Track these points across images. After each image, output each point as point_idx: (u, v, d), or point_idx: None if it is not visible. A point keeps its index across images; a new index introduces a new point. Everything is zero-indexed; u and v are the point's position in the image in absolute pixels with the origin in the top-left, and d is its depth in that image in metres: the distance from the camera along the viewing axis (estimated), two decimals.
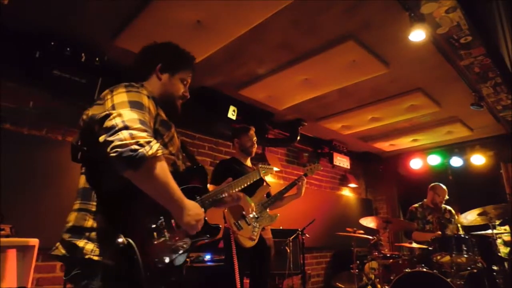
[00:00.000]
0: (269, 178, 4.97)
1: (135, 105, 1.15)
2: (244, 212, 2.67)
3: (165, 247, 1.21)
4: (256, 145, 3.00)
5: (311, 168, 3.21)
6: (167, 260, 1.20)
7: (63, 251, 1.14)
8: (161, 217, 1.21)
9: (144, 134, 1.06)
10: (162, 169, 1.10)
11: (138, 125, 1.07)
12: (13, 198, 2.62)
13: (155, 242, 1.17)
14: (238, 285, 2.44)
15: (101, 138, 1.06)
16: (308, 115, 4.74)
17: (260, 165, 2.44)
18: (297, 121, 4.86)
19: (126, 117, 1.08)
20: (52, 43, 2.86)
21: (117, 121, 1.06)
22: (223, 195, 1.59)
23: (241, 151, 2.98)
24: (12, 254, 2.15)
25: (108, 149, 1.02)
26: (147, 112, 1.19)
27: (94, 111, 1.20)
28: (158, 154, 1.07)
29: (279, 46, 3.13)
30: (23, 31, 2.80)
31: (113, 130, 1.04)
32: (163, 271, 1.19)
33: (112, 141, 1.02)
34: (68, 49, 2.93)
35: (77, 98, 2.99)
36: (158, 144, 1.08)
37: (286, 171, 5.38)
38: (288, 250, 3.87)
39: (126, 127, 1.05)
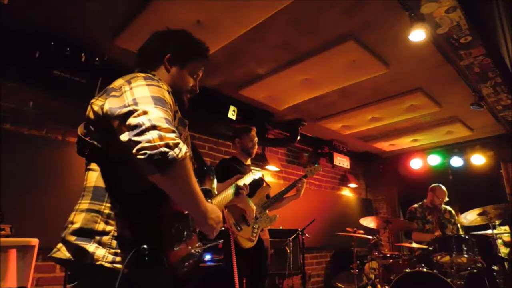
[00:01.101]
0: (269, 178, 4.97)
1: (159, 102, 1.06)
2: (245, 215, 2.68)
3: (184, 252, 1.17)
4: (256, 146, 3.00)
5: (312, 169, 3.22)
6: (185, 266, 1.17)
7: (68, 255, 1.04)
8: (179, 221, 1.17)
9: (172, 135, 0.99)
10: (189, 172, 1.04)
11: (166, 125, 0.99)
12: (13, 198, 2.62)
13: (175, 248, 1.12)
14: (237, 285, 2.44)
15: (124, 137, 0.98)
16: (308, 115, 4.74)
17: (251, 168, 2.51)
18: (297, 121, 4.86)
19: (153, 115, 0.99)
20: (52, 43, 2.86)
21: (143, 120, 0.98)
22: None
23: (242, 151, 2.98)
24: (12, 254, 2.15)
25: (134, 150, 0.95)
26: (169, 109, 1.10)
27: (110, 104, 1.09)
28: (186, 157, 1.01)
29: (279, 46, 3.13)
30: (23, 31, 2.80)
31: (140, 130, 0.96)
32: (181, 278, 1.15)
33: (139, 142, 0.95)
34: (68, 49, 2.93)
35: (77, 98, 2.97)
36: (185, 146, 1.01)
37: (286, 171, 5.38)
38: (288, 250, 3.87)
39: (154, 127, 0.97)
